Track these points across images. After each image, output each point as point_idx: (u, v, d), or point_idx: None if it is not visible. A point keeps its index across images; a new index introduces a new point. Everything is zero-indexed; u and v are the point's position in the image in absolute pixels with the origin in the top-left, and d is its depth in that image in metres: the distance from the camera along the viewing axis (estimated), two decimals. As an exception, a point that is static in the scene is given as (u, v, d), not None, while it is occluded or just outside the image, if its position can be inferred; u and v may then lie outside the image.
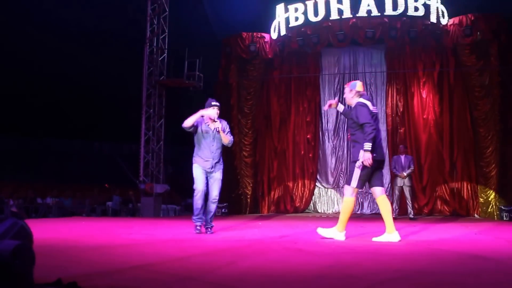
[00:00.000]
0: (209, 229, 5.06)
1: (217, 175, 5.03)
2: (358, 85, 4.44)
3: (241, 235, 5.03)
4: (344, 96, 4.58)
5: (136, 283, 2.15)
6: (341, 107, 4.61)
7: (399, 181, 8.50)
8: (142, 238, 4.63)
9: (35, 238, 1.81)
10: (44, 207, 11.15)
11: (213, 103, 5.04)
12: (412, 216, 8.40)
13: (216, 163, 5.00)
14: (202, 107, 5.16)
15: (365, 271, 2.59)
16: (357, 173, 4.22)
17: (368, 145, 4.07)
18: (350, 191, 4.28)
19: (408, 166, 8.52)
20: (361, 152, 4.12)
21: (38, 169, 14.56)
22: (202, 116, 5.01)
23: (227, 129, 5.13)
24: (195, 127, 5.01)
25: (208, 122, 5.02)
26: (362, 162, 4.13)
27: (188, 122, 4.94)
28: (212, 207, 5.03)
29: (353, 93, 4.39)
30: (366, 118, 4.14)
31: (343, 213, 4.33)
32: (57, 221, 7.54)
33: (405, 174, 8.45)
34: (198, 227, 5.01)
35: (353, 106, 4.35)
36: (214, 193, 5.01)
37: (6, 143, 14.82)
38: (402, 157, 8.64)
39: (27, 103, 13.82)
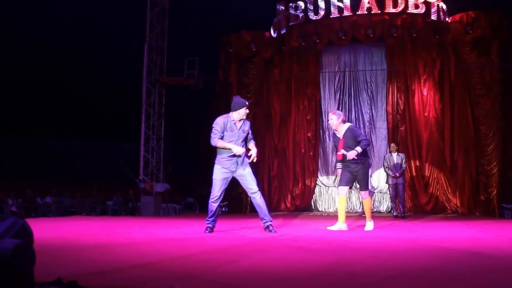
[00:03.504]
0: (270, 227, 4.82)
1: (246, 170, 4.84)
2: (341, 113, 5.47)
3: (241, 233, 5.01)
4: (330, 123, 5.38)
5: (137, 282, 2.14)
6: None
7: (392, 180, 8.39)
8: (142, 237, 4.61)
9: (35, 238, 1.80)
10: (44, 207, 11.15)
11: (247, 102, 4.94)
12: (403, 215, 8.31)
13: (243, 158, 4.85)
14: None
15: (366, 268, 2.58)
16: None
17: (359, 149, 5.07)
18: (368, 193, 5.33)
19: (400, 164, 8.38)
20: (353, 152, 5.02)
21: (38, 168, 14.54)
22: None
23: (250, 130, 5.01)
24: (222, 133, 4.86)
25: (235, 120, 4.86)
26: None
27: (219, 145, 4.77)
28: (258, 200, 4.83)
29: (340, 119, 5.28)
30: (363, 135, 5.36)
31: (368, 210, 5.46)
32: (56, 220, 7.52)
33: (398, 174, 8.33)
34: (208, 230, 4.89)
35: (344, 129, 5.25)
36: (251, 187, 4.82)
37: (6, 142, 14.81)
38: (394, 155, 8.45)
39: (26, 103, 13.80)
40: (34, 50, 12.81)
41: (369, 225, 5.34)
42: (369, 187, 5.32)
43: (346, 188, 5.29)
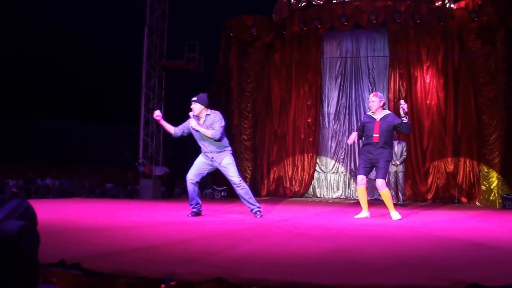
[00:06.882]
0: (257, 213, 4.99)
1: (224, 162, 4.99)
2: (383, 96, 5.32)
3: (241, 218, 5.03)
4: (370, 105, 5.21)
5: (138, 265, 2.13)
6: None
7: (392, 167, 8.30)
8: (142, 220, 4.62)
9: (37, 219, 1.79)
10: (44, 188, 11.16)
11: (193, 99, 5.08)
12: (403, 203, 8.30)
13: (217, 153, 4.99)
14: (202, 90, 5.31)
15: (367, 256, 2.58)
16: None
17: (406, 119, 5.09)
18: (384, 183, 5.02)
19: (400, 153, 8.32)
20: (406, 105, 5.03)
21: (38, 150, 14.53)
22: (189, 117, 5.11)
23: (217, 122, 4.95)
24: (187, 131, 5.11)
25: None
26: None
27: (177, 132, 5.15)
28: (239, 192, 5.00)
29: (382, 103, 5.16)
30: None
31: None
32: (57, 202, 7.54)
33: (398, 162, 8.30)
34: (192, 214, 5.01)
35: (383, 114, 5.14)
36: (233, 179, 4.98)
37: (6, 123, 14.75)
38: (395, 143, 8.19)
39: (26, 84, 13.69)
40: (35, 33, 12.61)
41: (395, 215, 5.05)
42: (387, 179, 5.10)
43: (362, 177, 5.10)
